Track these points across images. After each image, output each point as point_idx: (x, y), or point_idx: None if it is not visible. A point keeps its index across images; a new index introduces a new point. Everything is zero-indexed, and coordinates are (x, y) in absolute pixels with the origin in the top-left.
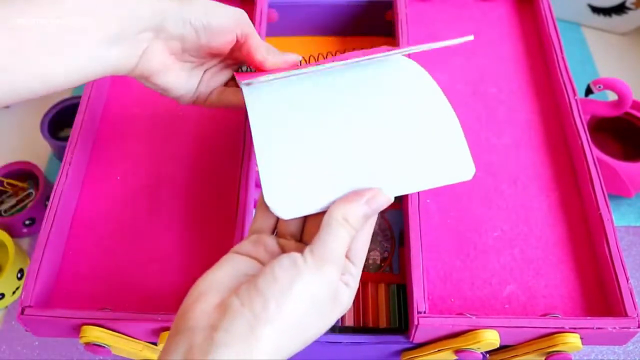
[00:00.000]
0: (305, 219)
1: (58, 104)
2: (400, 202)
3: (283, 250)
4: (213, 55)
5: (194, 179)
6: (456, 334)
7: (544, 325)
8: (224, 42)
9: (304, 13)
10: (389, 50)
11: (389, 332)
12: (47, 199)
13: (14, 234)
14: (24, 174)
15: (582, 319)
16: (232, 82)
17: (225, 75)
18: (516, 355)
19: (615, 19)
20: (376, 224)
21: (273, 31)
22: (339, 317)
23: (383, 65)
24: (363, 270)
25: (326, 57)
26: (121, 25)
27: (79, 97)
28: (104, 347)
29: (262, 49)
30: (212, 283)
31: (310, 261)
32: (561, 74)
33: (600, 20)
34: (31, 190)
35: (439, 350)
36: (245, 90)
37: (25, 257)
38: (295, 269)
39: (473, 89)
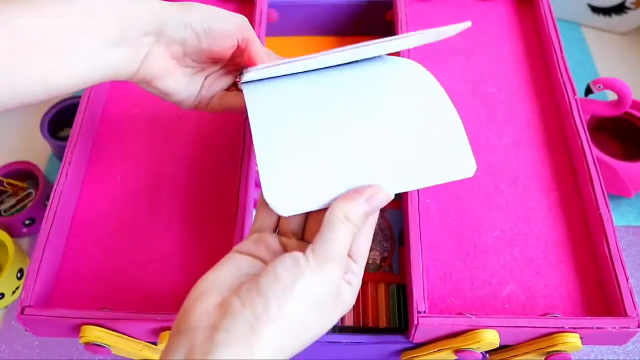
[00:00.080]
0: (307, 217)
1: (58, 104)
2: (401, 202)
3: (285, 248)
4: (214, 60)
5: (194, 179)
6: (456, 334)
7: (544, 325)
8: (226, 47)
9: (304, 13)
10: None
11: (389, 332)
12: (47, 199)
13: (14, 234)
14: (24, 174)
15: (582, 319)
16: (233, 87)
17: (226, 81)
18: (516, 355)
19: (615, 19)
20: (376, 223)
21: (273, 31)
22: (342, 315)
23: (384, 65)
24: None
25: None
26: (122, 27)
27: (79, 97)
28: (104, 347)
29: (263, 54)
30: (213, 283)
31: (312, 260)
32: (561, 74)
33: (600, 20)
34: (31, 190)
35: (439, 350)
36: (246, 89)
37: (25, 257)
38: (297, 268)
39: (473, 89)
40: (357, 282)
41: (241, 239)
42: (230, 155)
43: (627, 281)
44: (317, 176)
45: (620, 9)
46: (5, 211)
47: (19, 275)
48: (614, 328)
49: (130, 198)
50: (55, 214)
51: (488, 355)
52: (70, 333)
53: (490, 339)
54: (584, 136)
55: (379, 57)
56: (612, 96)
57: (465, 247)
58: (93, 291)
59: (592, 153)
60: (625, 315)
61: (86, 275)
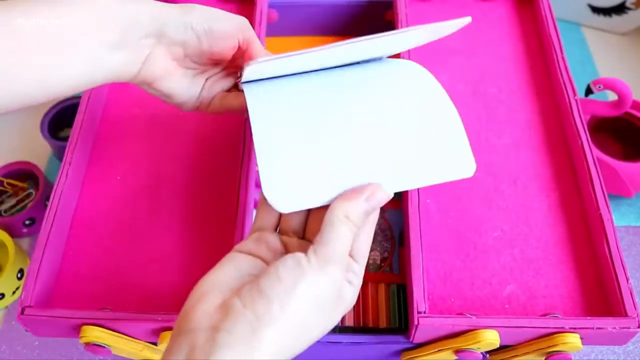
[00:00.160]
0: (308, 216)
1: (58, 104)
2: (401, 202)
3: (285, 247)
4: (215, 61)
5: (194, 179)
6: (456, 334)
7: (544, 325)
8: (226, 48)
9: (304, 13)
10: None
11: (389, 332)
12: (47, 199)
13: (14, 234)
14: (24, 174)
15: (582, 319)
16: (233, 89)
17: (227, 82)
18: (516, 355)
19: (615, 19)
20: (376, 224)
21: (273, 31)
22: (343, 315)
23: (384, 66)
24: None
25: None
26: (122, 28)
27: (79, 97)
28: (104, 347)
29: (264, 55)
30: (214, 283)
31: (314, 261)
32: (561, 74)
33: (600, 20)
34: (31, 190)
35: (439, 350)
36: (247, 89)
37: (25, 257)
38: (299, 269)
39: (473, 89)
40: (358, 281)
41: (241, 239)
42: (230, 155)
43: (627, 281)
44: (316, 173)
45: (620, 9)
46: (5, 211)
47: (19, 275)
48: (614, 328)
49: (130, 198)
50: (55, 214)
51: (488, 355)
52: (70, 333)
53: (490, 339)
54: (584, 136)
55: (379, 59)
56: (612, 96)
57: (465, 247)
58: (93, 291)
59: (592, 153)
60: (625, 315)
61: (86, 275)
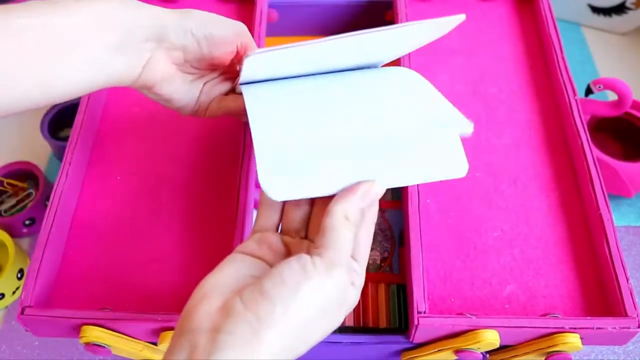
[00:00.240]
0: (310, 215)
1: (58, 104)
2: (401, 202)
3: (287, 247)
4: (214, 67)
5: (194, 179)
6: (456, 334)
7: (544, 325)
8: (225, 53)
9: (304, 13)
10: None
11: (389, 332)
12: (47, 199)
13: (14, 234)
14: (24, 174)
15: (582, 319)
16: (231, 93)
17: (224, 86)
18: (516, 355)
19: (615, 19)
20: (376, 224)
21: (273, 31)
22: (346, 315)
23: (380, 72)
24: None
25: None
26: (123, 32)
27: (79, 98)
28: (104, 347)
29: None
30: (215, 284)
31: (320, 265)
32: (561, 74)
33: (600, 20)
34: (31, 190)
35: (439, 350)
36: (245, 90)
37: (25, 257)
38: (304, 273)
39: (473, 89)
40: (360, 282)
41: (241, 239)
42: (230, 155)
43: (627, 281)
44: (311, 164)
45: (620, 9)
46: (5, 211)
47: (19, 275)
48: (614, 328)
49: (130, 198)
50: (55, 214)
51: (488, 355)
52: (70, 333)
53: (490, 339)
54: (584, 136)
55: (374, 67)
56: (612, 96)
57: (465, 247)
58: (93, 291)
59: (592, 153)
60: (625, 315)
61: (86, 275)
